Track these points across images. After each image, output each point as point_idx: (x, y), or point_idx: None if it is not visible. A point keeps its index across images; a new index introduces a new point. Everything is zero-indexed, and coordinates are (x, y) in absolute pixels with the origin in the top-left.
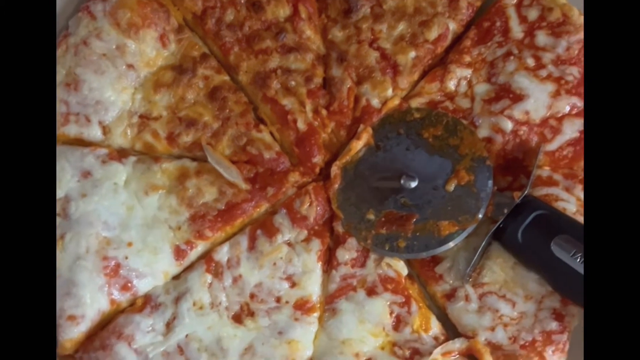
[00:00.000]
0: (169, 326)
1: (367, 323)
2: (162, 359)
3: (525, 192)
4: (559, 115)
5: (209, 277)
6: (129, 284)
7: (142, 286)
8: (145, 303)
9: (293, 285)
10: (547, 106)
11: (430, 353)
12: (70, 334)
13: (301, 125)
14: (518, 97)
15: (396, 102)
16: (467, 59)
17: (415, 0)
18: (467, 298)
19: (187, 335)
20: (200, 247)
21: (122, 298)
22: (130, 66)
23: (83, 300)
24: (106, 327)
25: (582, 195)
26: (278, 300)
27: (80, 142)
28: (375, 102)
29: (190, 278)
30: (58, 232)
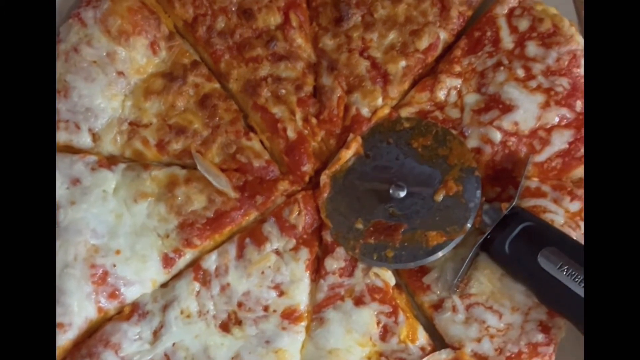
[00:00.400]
0: (156, 334)
1: (355, 333)
2: None
3: (513, 203)
4: (548, 126)
5: (196, 286)
6: (117, 292)
7: (130, 294)
8: (133, 311)
9: (281, 294)
10: (537, 117)
11: None
12: (58, 341)
13: (291, 133)
14: (507, 108)
15: (386, 111)
16: (458, 68)
17: (406, 9)
18: (454, 309)
19: (174, 344)
20: (188, 256)
21: (110, 306)
22: (120, 73)
23: (71, 309)
24: (93, 335)
25: (570, 207)
26: (266, 309)
27: (70, 149)
28: (365, 111)
29: (178, 286)
30: None
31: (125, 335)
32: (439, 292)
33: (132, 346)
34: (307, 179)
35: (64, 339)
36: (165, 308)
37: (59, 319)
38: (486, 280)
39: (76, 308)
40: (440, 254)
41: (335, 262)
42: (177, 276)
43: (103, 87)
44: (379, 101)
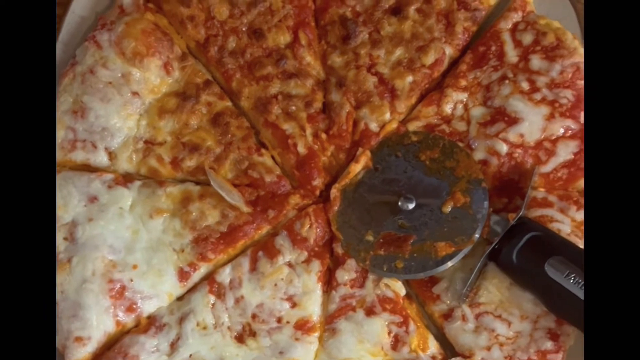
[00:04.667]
0: (173, 346)
1: (366, 342)
2: None
3: (520, 213)
4: (553, 137)
5: (212, 298)
6: (134, 306)
7: (147, 307)
8: (150, 324)
9: (294, 305)
10: (542, 129)
11: None
12: (77, 355)
13: (301, 149)
14: (513, 120)
15: (394, 125)
16: (463, 83)
17: (412, 26)
18: (464, 318)
19: (190, 355)
20: (203, 269)
21: (128, 319)
22: (135, 93)
23: (89, 323)
24: (112, 347)
25: (576, 217)
26: (279, 320)
27: (87, 168)
28: (374, 126)
29: (194, 299)
30: (65, 255)
31: (143, 348)
32: (448, 302)
33: (150, 358)
34: (317, 192)
35: (83, 352)
36: (181, 320)
37: (77, 333)
38: (495, 289)
39: (95, 322)
40: (449, 264)
41: (346, 274)
42: (193, 289)
43: (119, 107)
44: (387, 116)
